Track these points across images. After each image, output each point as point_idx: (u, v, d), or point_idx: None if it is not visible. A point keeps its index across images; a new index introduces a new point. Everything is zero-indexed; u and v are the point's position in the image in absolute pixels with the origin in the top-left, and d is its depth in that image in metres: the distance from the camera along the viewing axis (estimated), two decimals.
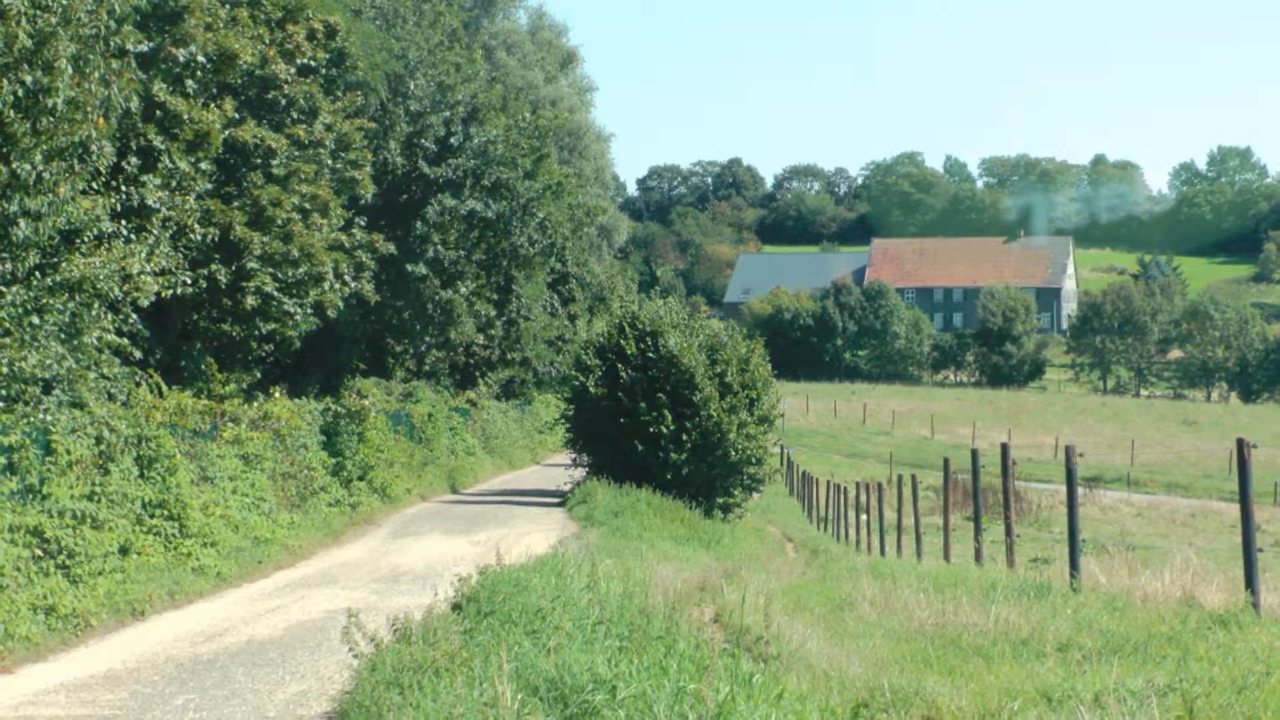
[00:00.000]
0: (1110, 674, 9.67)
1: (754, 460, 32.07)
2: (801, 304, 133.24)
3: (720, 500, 31.89)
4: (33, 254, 15.50)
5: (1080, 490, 18.34)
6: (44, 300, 15.95)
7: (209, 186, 23.72)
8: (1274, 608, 13.15)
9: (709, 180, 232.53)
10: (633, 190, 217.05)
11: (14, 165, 14.72)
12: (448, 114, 39.07)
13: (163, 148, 21.48)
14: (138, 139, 21.00)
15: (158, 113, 21.63)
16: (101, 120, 15.89)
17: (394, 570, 20.16)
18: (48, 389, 17.19)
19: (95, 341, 17.71)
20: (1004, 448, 18.16)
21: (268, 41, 26.03)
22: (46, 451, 16.30)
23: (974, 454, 19.69)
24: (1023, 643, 11.81)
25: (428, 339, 40.56)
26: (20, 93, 14.56)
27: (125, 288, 17.86)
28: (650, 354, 31.69)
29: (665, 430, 30.76)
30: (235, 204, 25.37)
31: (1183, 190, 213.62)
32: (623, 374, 31.63)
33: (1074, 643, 11.50)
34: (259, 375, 28.52)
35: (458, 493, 36.82)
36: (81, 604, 15.16)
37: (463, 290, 40.28)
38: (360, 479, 29.17)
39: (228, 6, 24.54)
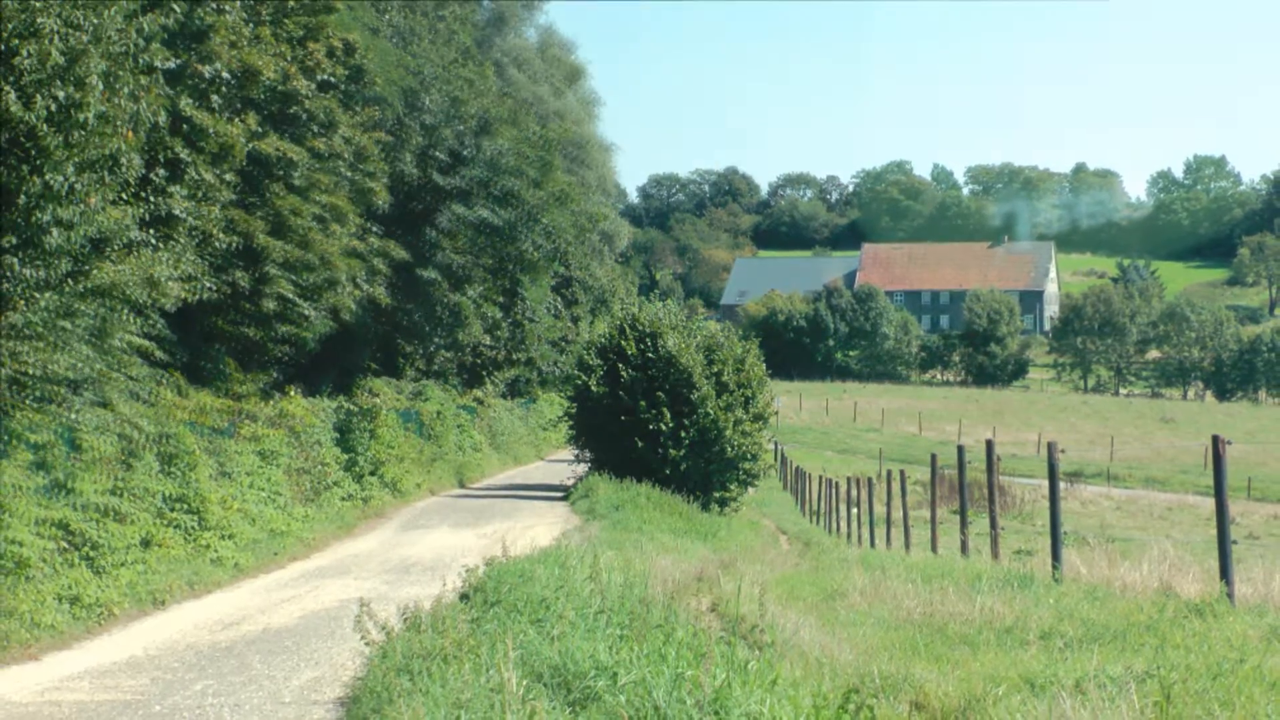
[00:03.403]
0: (1091, 661, 9.74)
1: (749, 456, 32.36)
2: (795, 306, 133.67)
3: (717, 494, 32.17)
4: (64, 261, 15.51)
5: (1062, 485, 18.57)
6: (74, 305, 16.07)
7: (232, 197, 23.82)
8: (1247, 598, 13.19)
9: (707, 188, 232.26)
10: (634, 198, 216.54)
11: (47, 177, 14.73)
12: (460, 127, 39.16)
13: (189, 160, 21.54)
14: (165, 151, 20.97)
15: (184, 126, 21.66)
16: (130, 134, 15.95)
17: (404, 561, 20.37)
18: (76, 389, 17.19)
19: (122, 344, 17.82)
20: (989, 444, 18.27)
21: (289, 59, 26.15)
22: (74, 449, 16.64)
23: (960, 450, 19.87)
24: (1007, 631, 11.86)
25: (437, 340, 40.68)
26: (53, 107, 14.60)
27: (151, 293, 17.99)
28: (650, 354, 32.00)
29: (664, 427, 31.09)
30: (257, 213, 25.53)
31: (1160, 197, 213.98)
32: (623, 373, 31.94)
33: (1056, 631, 11.56)
34: (276, 375, 28.63)
35: (465, 487, 36.99)
36: (105, 594, 15.39)
37: (471, 293, 40.39)
38: (372, 474, 29.50)
39: (251, 25, 24.59)
